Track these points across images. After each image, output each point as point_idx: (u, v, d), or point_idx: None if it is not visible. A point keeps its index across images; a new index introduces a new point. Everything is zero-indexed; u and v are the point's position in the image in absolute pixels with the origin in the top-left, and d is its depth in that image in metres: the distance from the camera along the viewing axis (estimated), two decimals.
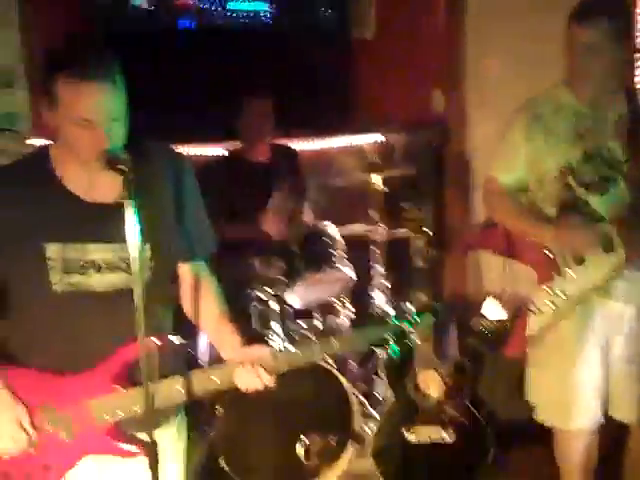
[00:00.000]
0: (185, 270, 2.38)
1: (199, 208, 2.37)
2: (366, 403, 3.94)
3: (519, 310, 3.21)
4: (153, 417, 2.02)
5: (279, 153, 4.50)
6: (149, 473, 1.98)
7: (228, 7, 5.90)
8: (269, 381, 2.25)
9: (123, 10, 5.50)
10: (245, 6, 5.95)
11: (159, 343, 2.15)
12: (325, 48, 5.96)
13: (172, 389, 2.19)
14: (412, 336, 2.19)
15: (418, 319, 2.35)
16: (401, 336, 2.34)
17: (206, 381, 2.22)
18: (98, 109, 2.00)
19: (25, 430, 2.15)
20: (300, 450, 3.56)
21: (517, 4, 4.84)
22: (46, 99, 2.03)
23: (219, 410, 3.50)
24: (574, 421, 3.08)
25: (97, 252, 2.14)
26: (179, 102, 5.24)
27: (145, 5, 5.56)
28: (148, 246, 2.16)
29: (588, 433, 3.13)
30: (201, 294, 2.38)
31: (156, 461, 1.98)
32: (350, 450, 3.65)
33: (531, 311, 3.00)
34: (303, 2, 6.10)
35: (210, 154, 4.81)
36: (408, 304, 3.92)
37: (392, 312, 4.00)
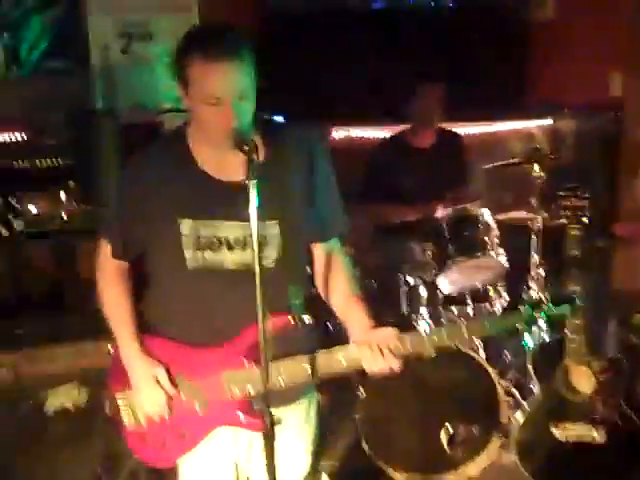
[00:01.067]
0: (318, 250, 2.41)
1: (332, 189, 2.39)
2: (515, 395, 3.84)
3: None
4: (276, 393, 2.07)
5: (444, 139, 4.45)
6: (271, 448, 2.02)
7: None
8: (396, 364, 2.22)
9: None
10: None
11: (287, 320, 2.21)
12: (504, 29, 5.80)
13: (298, 368, 2.22)
14: (544, 326, 2.12)
15: (554, 309, 2.26)
16: (534, 324, 2.27)
17: (333, 361, 2.23)
18: (225, 87, 2.06)
19: (163, 389, 2.26)
20: (444, 438, 3.52)
21: None
22: (181, 82, 2.12)
23: (362, 393, 3.51)
24: None
25: (227, 230, 2.21)
26: (357, 84, 5.28)
27: None
28: (277, 223, 2.21)
29: None
30: (332, 274, 2.40)
31: (272, 437, 2.01)
32: (495, 442, 3.57)
33: None
34: None
35: (376, 136, 4.82)
36: (546, 294, 3.83)
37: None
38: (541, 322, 2.35)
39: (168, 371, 2.28)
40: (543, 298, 3.92)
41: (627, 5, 5.06)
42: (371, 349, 2.21)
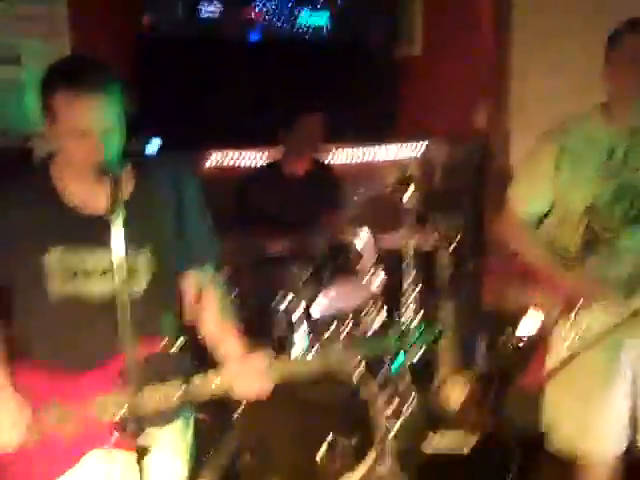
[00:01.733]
0: (189, 278, 2.43)
1: (201, 218, 2.41)
2: (392, 407, 3.91)
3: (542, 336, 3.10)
4: (151, 415, 2.10)
5: (317, 167, 4.56)
6: (144, 467, 2.02)
7: (298, 20, 5.99)
8: (266, 389, 2.28)
9: (192, 20, 5.61)
10: (311, 20, 6.03)
11: (159, 346, 2.22)
12: (374, 64, 5.99)
13: (171, 391, 2.23)
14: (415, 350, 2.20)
15: (419, 334, 2.35)
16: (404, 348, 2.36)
17: (207, 386, 2.26)
18: (90, 121, 2.07)
19: (23, 426, 2.20)
20: (322, 451, 3.54)
21: (562, 22, 4.83)
22: (45, 113, 2.11)
23: (241, 409, 3.51)
24: (597, 452, 2.95)
25: (94, 260, 2.21)
26: (232, 110, 5.33)
27: (215, 15, 5.65)
28: (145, 253, 2.23)
29: (610, 463, 2.98)
30: (203, 302, 2.43)
31: (143, 457, 2.01)
32: (372, 453, 3.62)
33: (551, 347, 2.92)
34: (354, 18, 6.13)
35: (251, 164, 4.86)
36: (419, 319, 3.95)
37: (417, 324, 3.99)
38: (416, 343, 2.43)
39: (39, 398, 2.22)
40: (416, 321, 4.05)
41: (490, 42, 5.32)
42: (243, 374, 2.26)
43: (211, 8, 5.56)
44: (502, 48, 5.26)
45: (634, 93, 2.73)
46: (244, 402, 3.48)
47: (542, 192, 2.89)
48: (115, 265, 1.94)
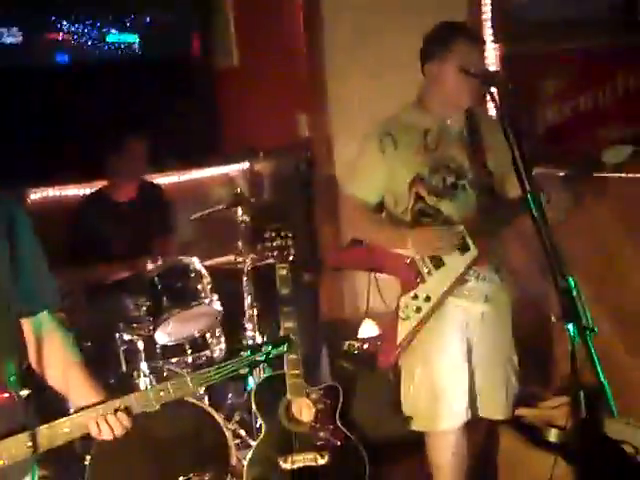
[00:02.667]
0: (26, 324, 2.30)
1: (37, 259, 2.29)
2: (242, 436, 3.92)
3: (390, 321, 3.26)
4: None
5: (144, 191, 4.49)
6: None
7: (107, 40, 5.84)
8: (122, 431, 2.20)
9: None
10: (122, 38, 5.91)
11: (3, 397, 2.11)
12: (193, 80, 5.95)
13: (19, 446, 2.11)
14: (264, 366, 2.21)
15: (271, 350, 2.35)
16: (256, 367, 2.36)
17: (57, 433, 2.16)
18: None
19: None
20: None
21: (375, 22, 4.94)
22: None
23: (89, 459, 3.40)
24: (441, 422, 3.19)
25: None
26: (46, 140, 5.14)
27: (17, 41, 5.43)
28: None
29: (456, 432, 3.24)
30: (45, 347, 2.31)
31: None
32: None
33: (400, 318, 3.13)
34: (168, 33, 6.07)
35: (76, 193, 4.72)
36: (262, 337, 3.99)
37: (260, 341, 4.02)
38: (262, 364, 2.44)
39: None
40: (261, 340, 4.07)
41: (303, 50, 5.38)
42: (96, 419, 2.17)
43: (11, 35, 5.38)
44: (316, 52, 5.31)
45: (457, 95, 3.11)
46: (92, 449, 3.41)
47: (373, 177, 3.22)
48: None
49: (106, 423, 2.17)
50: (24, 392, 2.20)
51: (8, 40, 5.41)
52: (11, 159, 4.69)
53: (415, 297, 3.11)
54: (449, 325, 3.16)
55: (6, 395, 2.13)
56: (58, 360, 2.31)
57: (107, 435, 2.18)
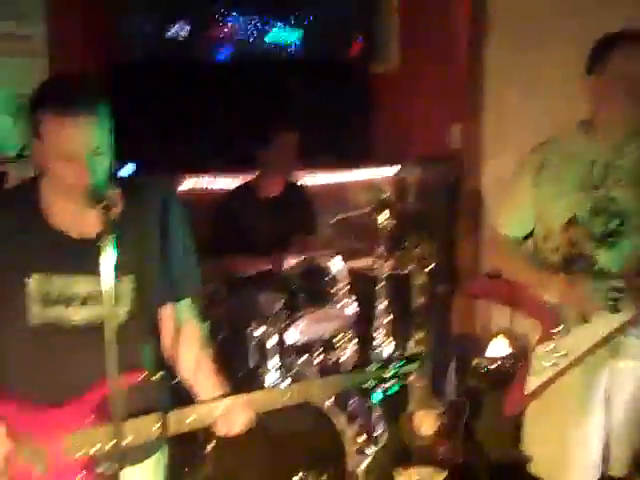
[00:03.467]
0: (168, 310, 2.40)
1: (186, 247, 2.38)
2: (361, 442, 3.94)
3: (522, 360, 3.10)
4: (126, 453, 2.04)
5: (290, 189, 4.56)
6: None
7: (266, 39, 6.02)
8: (245, 427, 2.28)
9: (159, 39, 5.63)
10: (281, 37, 6.06)
11: (137, 378, 2.20)
12: (349, 81, 6.02)
13: (148, 426, 2.21)
14: (393, 384, 2.22)
15: (401, 367, 2.36)
16: (383, 382, 2.37)
17: (183, 421, 2.24)
18: (79, 144, 2.04)
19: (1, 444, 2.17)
20: None
21: (537, 36, 4.85)
22: (32, 134, 2.09)
23: (209, 446, 3.51)
24: (570, 475, 2.95)
25: (78, 285, 2.18)
26: (207, 132, 5.32)
27: (181, 36, 5.68)
28: (131, 280, 2.21)
29: None
30: (182, 336, 2.40)
31: None
32: None
33: (533, 368, 2.89)
34: (330, 35, 6.16)
35: (226, 186, 4.86)
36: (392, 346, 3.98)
37: (390, 350, 4.03)
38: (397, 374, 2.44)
39: (10, 431, 2.18)
40: (392, 351, 4.08)
41: (464, 60, 5.35)
42: (224, 411, 2.25)
43: (179, 29, 5.60)
44: (477, 63, 5.28)
45: (621, 110, 2.71)
46: (214, 438, 3.51)
47: (524, 213, 2.94)
48: (104, 292, 1.89)
49: (229, 422, 2.26)
50: (159, 374, 2.32)
51: (175, 34, 5.63)
52: (170, 149, 4.89)
53: (552, 351, 2.83)
54: (588, 380, 2.87)
55: (141, 376, 2.22)
56: (192, 351, 2.39)
57: (228, 431, 2.28)
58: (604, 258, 2.78)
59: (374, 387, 2.86)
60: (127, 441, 2.09)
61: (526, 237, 3.03)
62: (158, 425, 2.21)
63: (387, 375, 2.36)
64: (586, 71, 2.80)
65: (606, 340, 2.79)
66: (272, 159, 4.35)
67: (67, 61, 4.55)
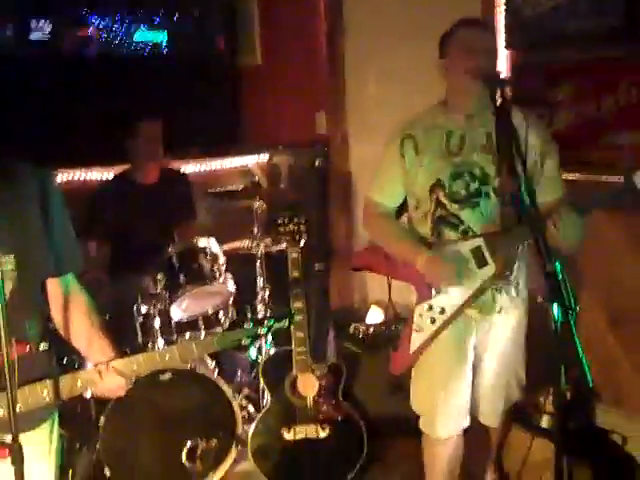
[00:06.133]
0: (54, 285, 2.50)
1: (66, 225, 2.48)
2: (249, 408, 4.12)
3: (404, 324, 3.31)
4: (19, 420, 2.09)
5: (168, 175, 4.66)
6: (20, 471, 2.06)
7: (134, 38, 6.07)
8: (122, 388, 2.40)
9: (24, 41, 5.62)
10: (149, 36, 6.13)
11: (25, 349, 2.28)
12: (216, 74, 6.16)
13: (38, 393, 2.30)
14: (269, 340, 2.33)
15: (272, 324, 2.53)
16: (258, 339, 2.52)
17: (72, 385, 2.34)
18: None
19: None
20: (184, 455, 3.68)
21: (394, 26, 5.12)
22: None
23: (102, 420, 3.60)
24: (440, 429, 3.23)
25: None
26: (76, 128, 5.35)
27: (45, 37, 5.68)
28: (11, 258, 2.29)
29: (453, 440, 3.29)
30: (70, 308, 2.50)
31: (21, 461, 2.06)
32: (233, 454, 3.81)
33: (414, 329, 3.09)
34: (195, 31, 6.28)
35: (102, 177, 4.92)
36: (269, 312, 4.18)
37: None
38: (265, 337, 2.61)
39: None
40: (265, 315, 4.27)
41: (323, 49, 5.58)
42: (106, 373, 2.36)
43: (42, 28, 5.62)
44: (336, 54, 5.52)
45: (468, 83, 2.94)
46: (104, 414, 3.60)
47: (391, 181, 3.19)
48: None
49: (110, 382, 2.36)
50: (43, 345, 2.41)
51: (38, 33, 5.63)
52: (42, 143, 4.91)
53: (430, 308, 3.06)
54: (459, 333, 3.13)
55: (27, 348, 2.30)
56: (81, 322, 2.49)
57: (109, 393, 2.39)
58: (468, 218, 3.05)
59: (249, 346, 3.01)
60: (18, 408, 2.15)
61: (400, 212, 3.27)
62: (46, 391, 2.30)
63: (261, 332, 2.50)
64: (439, 56, 3.10)
65: (477, 294, 3.05)
66: (139, 148, 4.46)
67: None
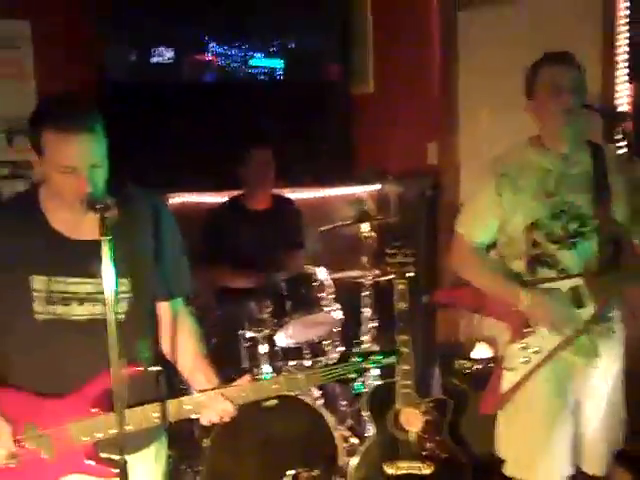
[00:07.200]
0: (164, 308, 2.56)
1: (178, 250, 2.56)
2: (351, 440, 4.07)
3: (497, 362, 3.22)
4: (128, 440, 2.15)
5: (279, 202, 4.71)
6: None
7: (250, 64, 6.20)
8: (231, 412, 2.41)
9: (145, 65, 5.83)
10: (265, 62, 6.25)
11: (136, 370, 2.32)
12: (328, 102, 6.19)
13: (147, 415, 2.35)
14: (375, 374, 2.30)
15: (381, 359, 2.49)
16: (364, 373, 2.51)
17: (180, 408, 2.38)
18: (79, 157, 2.20)
19: (4, 444, 2.31)
20: None
21: (508, 60, 5.04)
22: (34, 149, 2.25)
23: (206, 442, 3.63)
24: (542, 476, 3.04)
25: (79, 285, 2.33)
26: (190, 153, 5.47)
27: (167, 62, 5.87)
28: (126, 281, 2.35)
29: None
30: (178, 333, 2.56)
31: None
32: None
33: (505, 368, 3.03)
34: (309, 58, 6.36)
35: (214, 202, 5.00)
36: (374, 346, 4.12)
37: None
38: (372, 370, 2.58)
39: (17, 421, 2.32)
40: (372, 349, 4.22)
41: (437, 80, 5.54)
42: (212, 399, 2.38)
43: (163, 54, 5.79)
44: (450, 84, 5.45)
45: (557, 122, 2.91)
46: (210, 436, 3.63)
47: (487, 219, 3.09)
48: (104, 290, 2.03)
49: (216, 407, 2.38)
50: (154, 368, 2.45)
51: (158, 58, 5.82)
52: (158, 167, 5.04)
53: (524, 348, 2.97)
54: (557, 377, 3.01)
55: (139, 369, 2.34)
56: (190, 347, 2.55)
57: (214, 418, 2.41)
58: (565, 258, 2.95)
59: (356, 378, 2.99)
60: (128, 428, 2.22)
61: (488, 249, 3.17)
62: (157, 413, 2.35)
63: (367, 366, 2.47)
64: (525, 96, 3.03)
65: (574, 336, 2.93)
66: (251, 175, 4.51)
67: (54, 85, 4.69)
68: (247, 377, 2.46)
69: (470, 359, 4.71)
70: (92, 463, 2.34)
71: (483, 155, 5.15)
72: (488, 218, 3.08)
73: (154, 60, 5.82)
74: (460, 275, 3.27)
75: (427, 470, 3.59)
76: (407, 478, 3.61)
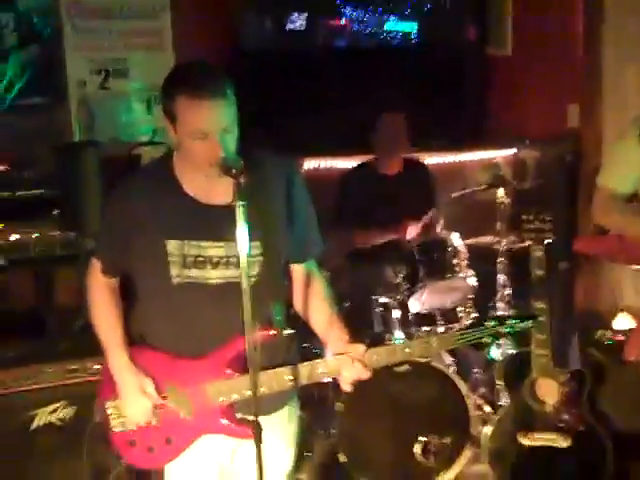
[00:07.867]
0: (296, 270, 2.58)
1: (309, 213, 2.55)
2: (484, 408, 4.00)
3: None
4: (262, 402, 2.19)
5: (411, 167, 4.65)
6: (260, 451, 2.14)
7: (385, 28, 6.16)
8: (366, 375, 2.37)
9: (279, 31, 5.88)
10: (399, 26, 6.18)
11: (269, 333, 2.33)
12: (464, 65, 6.08)
13: (281, 377, 2.37)
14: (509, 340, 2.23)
15: (517, 324, 2.42)
16: (500, 338, 2.44)
17: (313, 372, 2.39)
18: (211, 122, 2.22)
19: (150, 397, 2.40)
20: (418, 450, 3.66)
21: None
22: (168, 116, 2.29)
23: (339, 407, 3.64)
24: None
25: (213, 249, 2.36)
26: (323, 118, 5.48)
27: (301, 28, 5.90)
28: (259, 244, 2.36)
29: None
30: (311, 294, 2.56)
31: (260, 441, 2.14)
32: (467, 453, 3.72)
33: None
34: (444, 21, 6.23)
35: (346, 166, 4.99)
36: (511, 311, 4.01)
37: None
38: (506, 336, 2.51)
39: (156, 380, 2.41)
40: (508, 314, 4.13)
41: (580, 39, 5.32)
42: (347, 361, 2.36)
43: (298, 20, 5.79)
44: (595, 44, 5.23)
45: None
46: (341, 400, 3.64)
47: (629, 169, 3.14)
48: (237, 254, 2.08)
49: (354, 367, 2.35)
50: (288, 331, 2.46)
51: (293, 25, 5.83)
52: (292, 132, 5.07)
53: None
54: None
55: (273, 332, 2.35)
56: (322, 307, 2.54)
57: (352, 377, 2.37)
58: None
59: (490, 345, 2.94)
60: (262, 391, 2.25)
61: (629, 200, 3.18)
62: (290, 376, 2.36)
63: (503, 330, 2.41)
64: None
65: None
66: (382, 140, 4.47)
67: (192, 54, 4.78)
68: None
69: (612, 329, 4.52)
70: (228, 423, 2.39)
71: (628, 117, 4.95)
72: (628, 165, 3.14)
73: (289, 26, 5.84)
74: (602, 224, 3.38)
75: (564, 443, 3.47)
76: (543, 450, 3.51)
